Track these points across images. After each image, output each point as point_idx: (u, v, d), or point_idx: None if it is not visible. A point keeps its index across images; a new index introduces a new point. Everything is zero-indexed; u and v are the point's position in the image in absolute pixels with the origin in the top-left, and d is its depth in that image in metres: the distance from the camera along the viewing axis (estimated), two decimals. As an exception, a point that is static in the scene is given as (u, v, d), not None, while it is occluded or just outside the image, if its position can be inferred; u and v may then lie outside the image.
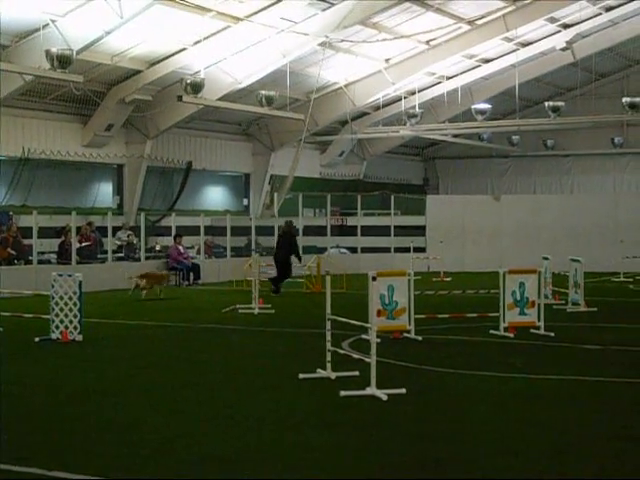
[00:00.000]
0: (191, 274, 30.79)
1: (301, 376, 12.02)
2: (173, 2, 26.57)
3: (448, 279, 31.84)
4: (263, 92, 32.12)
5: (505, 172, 49.38)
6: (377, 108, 40.33)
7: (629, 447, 8.61)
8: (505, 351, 15.04)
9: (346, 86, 37.42)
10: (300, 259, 27.55)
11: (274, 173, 40.77)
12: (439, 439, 8.95)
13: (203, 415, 10.04)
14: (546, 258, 22.45)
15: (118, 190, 35.39)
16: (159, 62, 30.57)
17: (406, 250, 34.69)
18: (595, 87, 41.34)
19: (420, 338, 15.94)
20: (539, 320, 16.73)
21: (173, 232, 31.48)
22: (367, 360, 11.19)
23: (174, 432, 9.19)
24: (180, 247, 30.86)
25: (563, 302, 21.95)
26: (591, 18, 36.60)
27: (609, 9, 36.60)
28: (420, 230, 37.80)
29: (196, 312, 21.75)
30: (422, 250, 36.26)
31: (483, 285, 26.15)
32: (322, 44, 32.17)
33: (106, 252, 29.78)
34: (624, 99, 35.26)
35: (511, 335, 16.42)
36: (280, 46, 30.73)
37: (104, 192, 35.30)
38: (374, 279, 11.75)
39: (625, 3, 36.33)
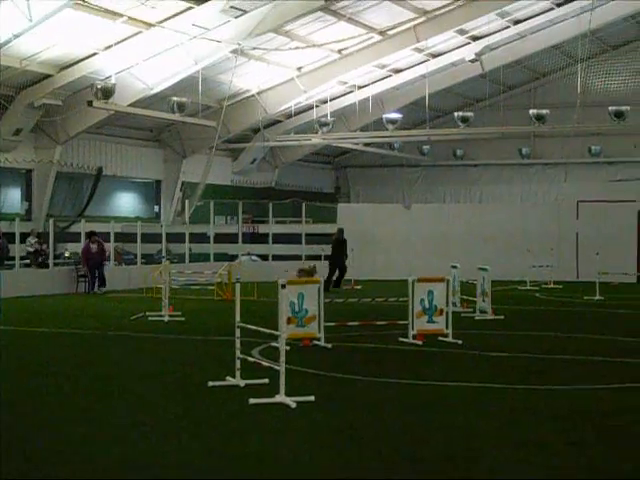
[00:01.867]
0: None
1: (210, 384, 11.99)
2: (84, 6, 26.32)
3: (358, 287, 32.03)
4: (175, 98, 32.01)
5: (415, 181, 49.90)
6: (289, 116, 40.46)
7: (532, 452, 8.78)
8: (413, 359, 15.20)
9: (258, 94, 37.48)
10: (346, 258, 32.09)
11: (186, 180, 40.61)
12: (347, 447, 9.02)
13: (111, 422, 9.97)
14: (455, 267, 22.74)
15: (27, 196, 34.90)
16: (69, 66, 30.24)
17: (317, 258, 34.80)
18: (503, 98, 42.07)
19: (330, 346, 16.02)
20: (447, 328, 16.95)
21: (82, 239, 30.93)
22: (276, 368, 11.21)
23: (81, 438, 9.10)
24: (93, 246, 29.72)
25: (471, 310, 22.23)
26: (500, 31, 37.27)
27: (517, 22, 37.32)
28: (331, 238, 37.88)
29: (104, 319, 21.51)
30: (333, 258, 36.31)
31: (393, 293, 26.37)
32: (234, 51, 32.17)
33: (13, 259, 29.29)
34: (531, 111, 35.95)
35: (420, 342, 16.59)
36: (192, 53, 30.66)
37: (12, 197, 34.77)
38: (284, 287, 11.79)
39: (533, 17, 37.10)
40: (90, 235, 30.14)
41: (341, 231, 32.79)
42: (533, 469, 8.22)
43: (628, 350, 16.33)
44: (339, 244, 32.13)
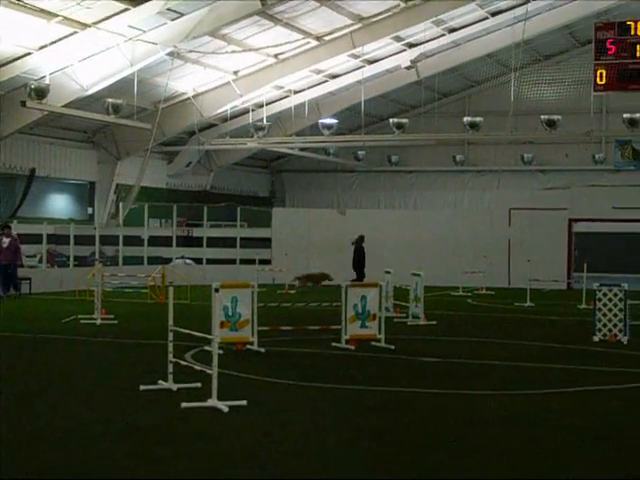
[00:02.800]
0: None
1: (142, 387, 11.95)
2: (17, 5, 26.03)
3: (293, 292, 32.10)
4: (110, 100, 31.80)
5: (351, 186, 50.11)
6: (225, 120, 40.39)
7: (460, 455, 8.90)
8: (346, 363, 15.28)
9: (194, 97, 37.36)
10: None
11: (120, 182, 40.31)
12: (277, 451, 9.07)
13: (37, 425, 9.89)
14: (388, 272, 22.94)
15: (-42, 196, 34.42)
16: (2, 66, 29.84)
17: (252, 262, 34.85)
18: (438, 106, 42.43)
19: (263, 350, 16.05)
20: (380, 333, 17.06)
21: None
22: (209, 372, 11.21)
23: (10, 442, 9.03)
24: (6, 240, 28.17)
25: (404, 315, 22.43)
26: (435, 39, 37.61)
27: (452, 30, 37.70)
28: (266, 242, 38.01)
29: (35, 322, 21.29)
30: (267, 262, 36.46)
31: (326, 298, 26.46)
32: (171, 54, 32.06)
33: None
34: (465, 118, 36.29)
35: (352, 347, 16.69)
36: (128, 54, 30.47)
37: (-58, 197, 34.27)
38: (217, 290, 11.79)
39: (467, 25, 37.49)
40: (3, 228, 28.82)
41: (363, 238, 34.12)
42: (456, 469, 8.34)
43: (555, 356, 16.61)
44: (359, 250, 33.79)
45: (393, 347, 16.76)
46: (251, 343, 15.96)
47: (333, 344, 17.00)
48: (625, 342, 18.19)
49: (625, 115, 34.06)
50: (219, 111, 38.65)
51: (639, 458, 8.99)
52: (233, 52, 33.91)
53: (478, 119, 35.57)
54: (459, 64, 41.40)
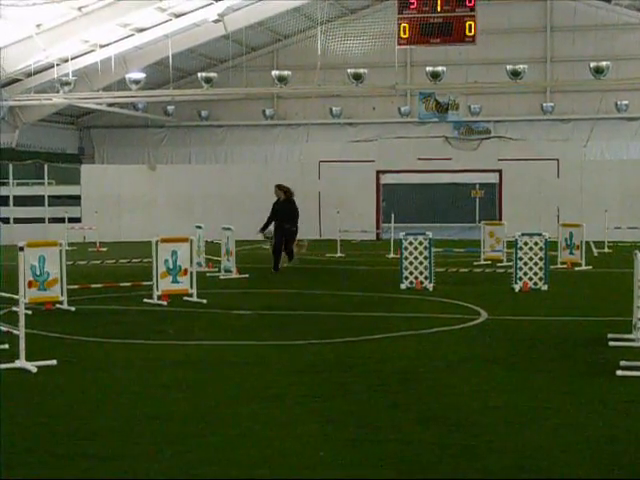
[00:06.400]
0: None
1: (-54, 351, 11.67)
2: None
3: (104, 249, 31.67)
4: None
5: (161, 142, 49.59)
6: (29, 75, 39.21)
7: (271, 406, 9.11)
8: (158, 319, 15.29)
9: (-5, 51, 36.11)
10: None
11: None
12: (91, 409, 9.06)
13: None
14: (199, 227, 23.00)
15: None
16: None
17: (61, 220, 34.19)
18: (247, 60, 42.42)
19: (73, 309, 15.88)
20: (192, 287, 17.14)
21: None
22: (16, 332, 11.04)
23: None
24: None
25: (216, 270, 22.55)
26: (243, -8, 37.52)
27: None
28: (75, 200, 37.32)
29: None
30: (78, 220, 35.84)
31: (138, 254, 26.28)
32: (-32, 6, 30.87)
33: None
34: (274, 72, 36.43)
35: (164, 303, 16.72)
36: None
37: None
38: (22, 249, 11.58)
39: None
40: None
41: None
42: (269, 421, 8.55)
43: (364, 304, 17.09)
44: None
45: (205, 301, 16.87)
46: (61, 302, 15.76)
47: (145, 300, 16.96)
48: (431, 289, 18.86)
49: (428, 68, 34.91)
50: (22, 66, 37.48)
51: (435, 396, 9.43)
52: (34, 5, 32.88)
53: (286, 73, 35.73)
54: (266, 17, 41.40)
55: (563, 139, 40.45)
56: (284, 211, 23.57)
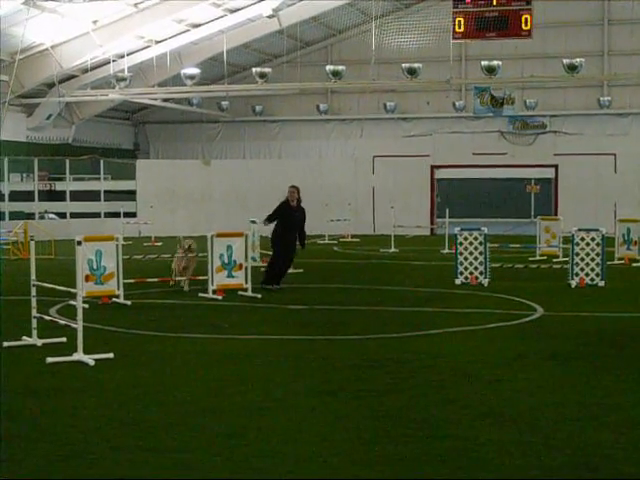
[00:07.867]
0: None
1: (5, 344, 11.79)
2: None
3: (159, 243, 31.87)
4: (-37, 52, 30.82)
5: (215, 137, 49.76)
6: (85, 71, 39.53)
7: (328, 400, 9.10)
8: (213, 313, 15.35)
9: (53, 47, 36.44)
10: None
11: (-23, 136, 39.19)
12: (147, 402, 9.10)
13: None
14: (254, 222, 23.02)
15: None
16: None
17: (117, 215, 34.49)
18: (301, 55, 42.40)
19: (129, 302, 15.99)
20: (247, 282, 17.18)
21: None
22: (74, 326, 11.14)
23: None
24: None
25: (270, 264, 22.53)
26: (297, -13, 37.52)
27: (313, -21, 37.64)
28: (131, 195, 37.62)
29: None
30: (133, 215, 36.13)
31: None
32: (26, 3, 31.16)
33: None
34: (328, 67, 36.37)
35: (219, 297, 16.77)
36: (-19, 4, 29.55)
37: None
38: (79, 243, 11.68)
39: (328, -26, 37.48)
40: None
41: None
42: (324, 416, 8.53)
43: (420, 299, 17.01)
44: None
45: (260, 296, 16.90)
46: (117, 296, 15.88)
47: (200, 294, 17.04)
48: (486, 284, 18.74)
49: (483, 62, 34.65)
50: (79, 62, 37.80)
51: (491, 393, 9.35)
52: (91, 1, 33.16)
53: (341, 68, 35.65)
54: (320, 12, 41.36)
55: (621, 134, 39.96)
56: (295, 219, 19.61)
